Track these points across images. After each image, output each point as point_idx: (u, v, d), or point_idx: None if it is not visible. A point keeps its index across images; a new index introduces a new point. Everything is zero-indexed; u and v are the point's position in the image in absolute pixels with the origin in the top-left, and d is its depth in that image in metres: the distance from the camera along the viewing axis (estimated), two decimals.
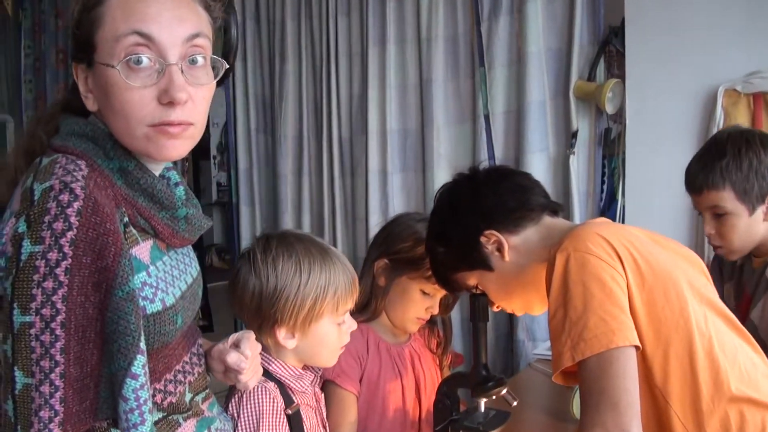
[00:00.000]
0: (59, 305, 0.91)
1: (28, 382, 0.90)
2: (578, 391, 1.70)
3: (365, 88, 3.07)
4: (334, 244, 3.23)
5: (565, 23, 2.67)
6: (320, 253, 1.41)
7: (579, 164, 2.66)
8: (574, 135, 2.65)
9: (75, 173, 0.96)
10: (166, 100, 0.99)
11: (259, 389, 1.36)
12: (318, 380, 1.53)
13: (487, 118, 2.82)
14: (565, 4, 2.67)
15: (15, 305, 0.90)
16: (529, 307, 1.46)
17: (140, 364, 0.95)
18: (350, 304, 1.44)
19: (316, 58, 3.26)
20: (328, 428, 1.54)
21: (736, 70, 2.36)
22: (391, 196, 3.02)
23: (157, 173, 1.10)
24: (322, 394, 1.57)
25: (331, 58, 3.19)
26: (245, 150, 3.59)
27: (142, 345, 0.96)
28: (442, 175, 2.91)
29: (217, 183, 4.72)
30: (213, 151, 4.72)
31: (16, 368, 0.90)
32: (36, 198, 0.93)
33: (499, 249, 1.38)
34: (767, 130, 2.32)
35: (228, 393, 1.39)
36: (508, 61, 2.78)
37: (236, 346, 1.24)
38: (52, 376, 0.90)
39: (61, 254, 0.91)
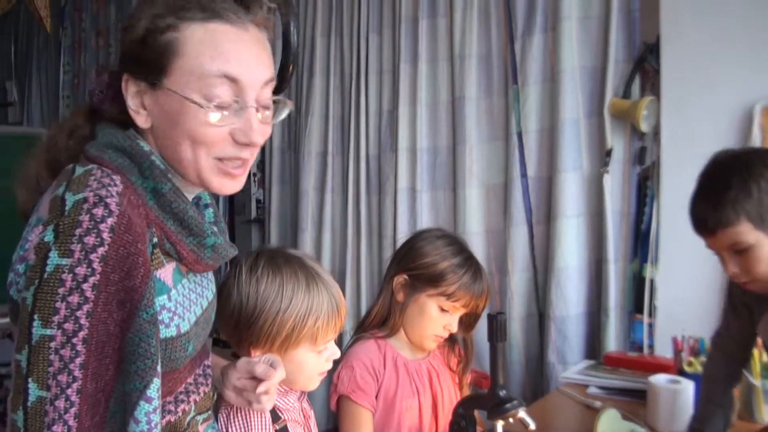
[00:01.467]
0: (83, 321, 0.88)
1: (43, 395, 0.88)
2: (603, 415, 1.65)
3: (396, 105, 3.04)
4: (358, 262, 3.20)
5: (600, 40, 2.61)
6: (306, 277, 1.36)
7: (613, 183, 2.59)
8: (609, 153, 2.58)
9: (110, 188, 0.94)
10: (245, 141, 1.02)
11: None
12: (305, 397, 1.49)
13: (520, 135, 2.77)
14: (600, 22, 2.61)
15: (36, 317, 0.88)
16: None
17: (155, 387, 0.93)
18: (332, 335, 1.39)
19: (345, 74, 3.25)
20: None
21: None
22: (420, 214, 2.98)
23: (190, 197, 1.08)
24: (312, 410, 1.52)
25: (361, 74, 3.18)
26: (275, 167, 3.60)
27: (159, 368, 0.94)
28: (473, 194, 2.87)
29: (256, 200, 4.79)
30: (253, 168, 4.76)
31: (30, 380, 0.88)
32: (67, 208, 0.91)
33: None
34: None
35: (214, 408, 1.35)
36: (541, 78, 2.73)
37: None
38: (69, 391, 0.88)
39: (89, 270, 0.89)
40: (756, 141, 2.28)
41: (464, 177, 2.88)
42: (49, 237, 0.89)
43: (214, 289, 1.20)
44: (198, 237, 1.05)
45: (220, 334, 1.37)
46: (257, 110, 1.03)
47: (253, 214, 4.44)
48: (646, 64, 2.57)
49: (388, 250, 3.07)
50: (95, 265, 0.89)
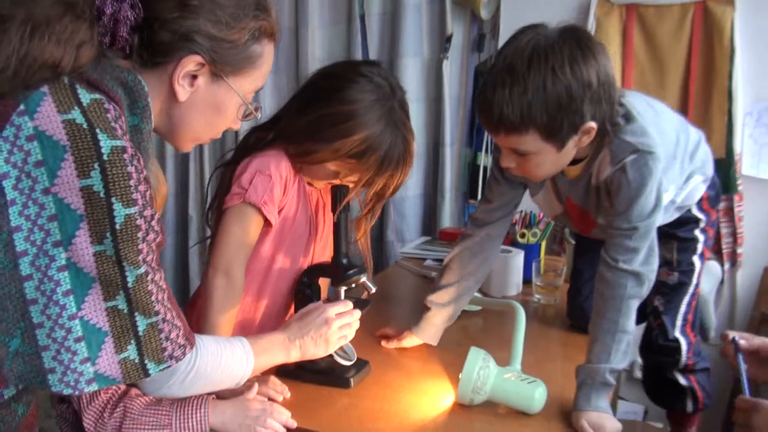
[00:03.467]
0: (154, 249, 1.04)
1: (152, 320, 1.03)
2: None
3: None
4: (200, 147, 3.13)
5: None
6: None
7: (452, 69, 2.66)
8: (449, 40, 2.63)
9: (122, 128, 1.01)
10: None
11: None
12: None
13: (362, 18, 2.76)
14: None
15: (124, 264, 0.99)
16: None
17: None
18: None
19: None
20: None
21: None
22: (263, 98, 2.93)
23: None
24: None
25: None
26: None
27: None
28: None
29: None
30: None
31: (136, 314, 1.01)
32: (106, 152, 0.95)
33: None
34: (637, 42, 2.39)
35: None
36: None
37: None
38: (167, 303, 1.06)
39: (151, 209, 1.02)
40: (591, 30, 2.40)
41: (307, 60, 2.85)
42: (98, 186, 0.95)
43: None
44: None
45: None
46: None
47: None
48: None
49: (230, 135, 3.01)
50: (151, 203, 1.02)
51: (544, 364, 1.53)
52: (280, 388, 1.43)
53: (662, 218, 1.59)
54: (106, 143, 0.95)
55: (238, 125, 1.22)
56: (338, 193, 1.47)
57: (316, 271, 1.54)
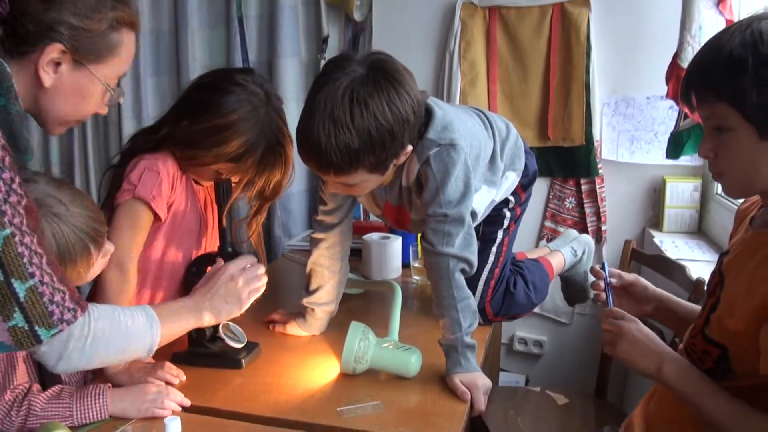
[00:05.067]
0: (22, 210, 1.05)
1: (30, 284, 1.05)
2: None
3: None
4: (85, 152, 3.12)
5: None
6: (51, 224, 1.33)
7: None
8: (325, 41, 2.75)
9: None
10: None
11: None
12: None
13: (240, 21, 2.83)
14: None
15: None
16: None
17: None
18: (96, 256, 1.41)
19: None
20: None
21: None
22: (144, 99, 2.96)
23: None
24: None
25: None
26: None
27: None
28: None
29: None
30: None
31: (13, 280, 1.03)
32: None
33: None
34: (500, 41, 2.57)
35: None
36: None
37: None
38: (44, 265, 1.07)
39: (10, 172, 1.05)
40: (457, 32, 2.58)
41: (187, 62, 2.89)
42: None
43: None
44: (22, 152, 1.17)
45: None
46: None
47: None
48: None
49: (115, 137, 3.02)
50: (12, 168, 1.05)
51: (420, 336, 1.66)
52: (175, 372, 1.50)
53: (483, 212, 1.74)
54: None
55: (104, 110, 1.32)
56: (221, 187, 1.56)
57: (203, 260, 1.62)
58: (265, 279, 1.52)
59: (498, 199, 1.79)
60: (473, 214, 1.65)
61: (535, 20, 2.54)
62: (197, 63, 2.89)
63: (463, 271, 1.53)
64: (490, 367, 2.16)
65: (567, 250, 2.09)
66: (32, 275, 1.05)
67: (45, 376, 1.42)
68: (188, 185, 1.71)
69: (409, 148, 1.47)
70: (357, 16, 2.70)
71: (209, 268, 1.52)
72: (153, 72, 2.98)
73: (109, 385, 1.39)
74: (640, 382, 2.31)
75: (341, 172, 1.43)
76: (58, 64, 1.20)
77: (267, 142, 1.63)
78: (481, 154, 1.67)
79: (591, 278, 2.17)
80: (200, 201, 1.77)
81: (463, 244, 1.52)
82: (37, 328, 1.06)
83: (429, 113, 1.52)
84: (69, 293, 1.10)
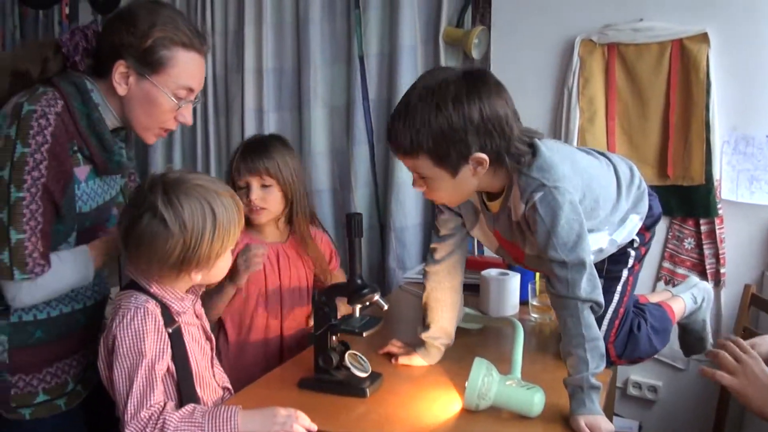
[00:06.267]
0: (40, 187, 1.48)
1: (21, 237, 1.46)
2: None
3: (241, 25, 3.08)
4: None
5: None
6: (216, 192, 1.47)
7: None
8: None
9: (52, 108, 1.50)
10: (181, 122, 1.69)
11: (141, 309, 1.44)
12: (197, 300, 1.61)
13: (361, 59, 2.92)
14: None
15: (12, 186, 1.46)
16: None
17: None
18: (239, 233, 1.53)
19: None
20: (213, 339, 1.64)
21: (593, 21, 2.59)
22: (271, 127, 3.07)
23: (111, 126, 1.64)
24: (202, 310, 1.65)
25: None
26: None
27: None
28: (318, 115, 3.00)
29: None
30: None
31: (11, 228, 1.46)
32: (23, 113, 1.48)
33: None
34: (620, 78, 2.56)
35: (114, 308, 1.47)
36: (381, 4, 2.88)
37: None
38: (36, 231, 1.48)
39: (42, 156, 1.47)
40: (575, 68, 2.58)
41: (309, 98, 3.00)
42: (12, 133, 1.47)
43: (119, 190, 1.78)
44: (108, 153, 1.62)
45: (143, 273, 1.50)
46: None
47: None
48: None
49: None
50: (45, 154, 1.48)
51: (541, 375, 1.65)
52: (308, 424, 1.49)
53: (602, 254, 1.71)
54: (25, 108, 1.48)
55: (183, 118, 1.64)
56: (354, 219, 1.62)
57: (333, 290, 1.67)
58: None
59: (621, 241, 1.76)
60: (600, 251, 1.65)
61: (654, 57, 2.52)
62: (319, 99, 3.00)
63: (591, 309, 1.52)
64: (606, 412, 2.12)
65: (688, 297, 2.04)
66: (24, 231, 1.46)
67: (183, 396, 1.50)
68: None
69: (481, 156, 1.48)
70: (475, 54, 2.74)
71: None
72: (275, 107, 3.10)
73: (241, 406, 1.44)
74: None
75: (406, 154, 1.51)
76: (127, 76, 1.57)
77: None
78: (602, 196, 1.66)
79: (709, 328, 2.14)
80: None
81: (589, 287, 1.51)
82: (14, 268, 1.46)
83: (535, 151, 1.53)
84: (41, 255, 1.49)
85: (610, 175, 1.73)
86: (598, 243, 1.67)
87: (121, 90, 1.58)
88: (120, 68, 1.56)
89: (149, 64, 1.56)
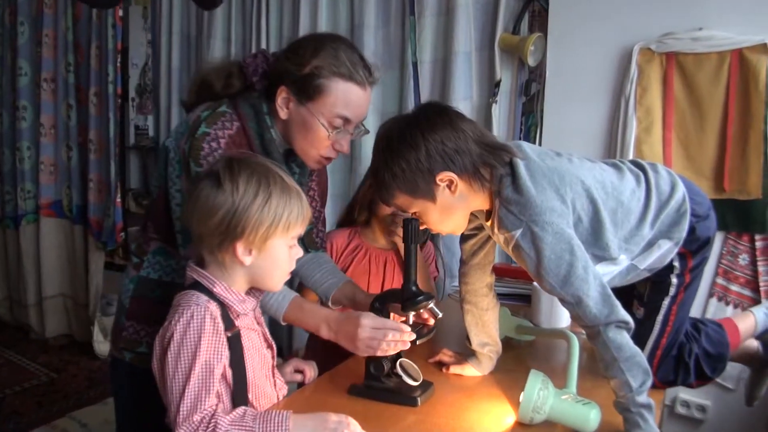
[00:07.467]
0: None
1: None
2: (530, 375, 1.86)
3: (296, 32, 3.11)
4: None
5: None
6: (281, 179, 1.46)
7: (500, 113, 2.80)
8: (497, 85, 2.78)
9: (225, 131, 1.64)
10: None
11: (202, 309, 1.42)
12: (257, 305, 1.59)
13: (415, 66, 2.92)
14: None
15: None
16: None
17: None
18: (300, 230, 1.50)
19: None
20: (274, 347, 1.63)
21: (652, 30, 2.53)
22: None
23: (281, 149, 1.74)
24: (263, 318, 1.64)
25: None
26: (166, 89, 3.58)
27: None
28: (370, 122, 2.97)
29: (135, 126, 4.53)
30: (132, 93, 4.56)
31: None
32: (198, 133, 1.61)
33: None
34: (677, 88, 2.51)
35: (173, 307, 1.46)
36: (437, 11, 2.88)
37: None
38: None
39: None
40: (633, 77, 2.53)
41: None
42: (187, 148, 1.62)
43: None
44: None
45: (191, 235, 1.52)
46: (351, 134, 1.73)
47: (132, 140, 4.29)
48: (534, 2, 2.77)
49: None
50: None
51: (596, 390, 1.61)
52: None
53: (624, 279, 1.64)
54: (201, 129, 1.61)
55: (339, 147, 1.69)
56: (411, 225, 1.61)
57: (387, 297, 1.66)
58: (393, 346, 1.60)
59: (648, 266, 1.66)
60: (633, 268, 1.62)
61: (713, 66, 2.45)
62: (371, 105, 2.98)
63: (618, 328, 1.45)
64: None
65: (760, 311, 1.95)
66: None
67: (236, 398, 1.49)
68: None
69: (448, 174, 1.48)
70: (531, 61, 2.72)
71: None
72: None
73: (291, 411, 1.44)
74: None
75: (389, 201, 1.58)
76: (288, 102, 1.65)
77: None
78: (619, 212, 1.58)
79: None
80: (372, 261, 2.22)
81: (606, 309, 1.45)
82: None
83: (513, 170, 1.51)
84: None
85: (636, 192, 1.62)
86: (611, 269, 1.60)
87: (283, 114, 1.67)
88: (282, 93, 1.65)
89: (306, 91, 1.62)
